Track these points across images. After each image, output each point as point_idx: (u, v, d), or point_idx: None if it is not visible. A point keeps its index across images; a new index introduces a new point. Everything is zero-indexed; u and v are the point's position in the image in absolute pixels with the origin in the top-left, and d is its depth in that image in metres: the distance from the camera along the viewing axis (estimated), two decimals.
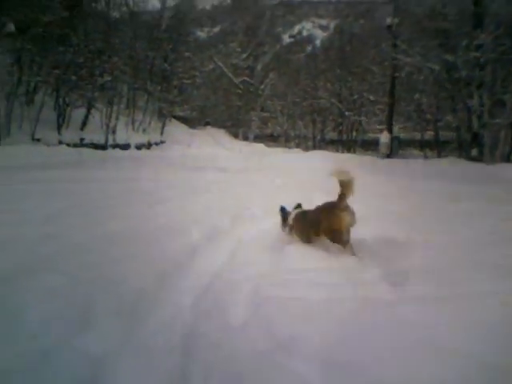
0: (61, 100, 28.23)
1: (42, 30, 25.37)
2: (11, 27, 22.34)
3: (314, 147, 48.28)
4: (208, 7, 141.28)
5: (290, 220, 5.27)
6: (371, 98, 44.85)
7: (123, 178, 13.61)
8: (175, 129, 44.33)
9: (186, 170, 18.41)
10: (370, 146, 43.36)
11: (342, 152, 44.15)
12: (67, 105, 28.61)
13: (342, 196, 4.44)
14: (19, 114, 25.26)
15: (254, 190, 11.87)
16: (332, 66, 49.46)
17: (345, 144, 48.71)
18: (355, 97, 46.76)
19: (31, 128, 25.60)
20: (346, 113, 46.88)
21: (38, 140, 25.85)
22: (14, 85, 25.02)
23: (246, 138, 53.99)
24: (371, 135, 45.60)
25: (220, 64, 54.76)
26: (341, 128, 49.87)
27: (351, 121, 48.23)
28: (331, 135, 52.30)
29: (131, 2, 41.24)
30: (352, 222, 4.48)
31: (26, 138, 25.17)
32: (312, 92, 49.95)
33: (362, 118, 47.20)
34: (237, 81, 54.77)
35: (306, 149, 45.37)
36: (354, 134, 49.82)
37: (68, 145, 27.51)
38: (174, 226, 6.09)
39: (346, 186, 4.42)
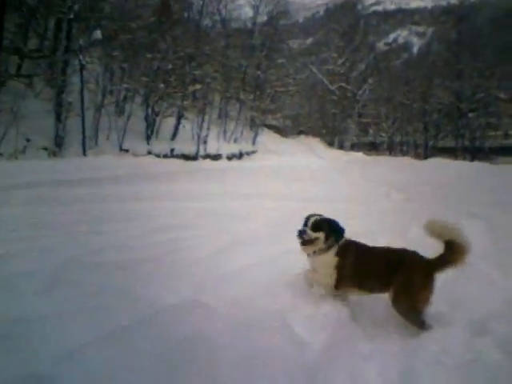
0: (150, 109, 26.67)
1: (131, 37, 23.97)
2: (98, 34, 20.98)
3: (426, 155, 43.22)
4: (301, 20, 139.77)
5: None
6: (502, 96, 38.63)
7: (240, 194, 11.60)
8: (267, 138, 41.90)
9: (295, 181, 15.90)
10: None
11: (471, 161, 37.09)
12: (156, 114, 27.06)
13: (446, 259, 3.21)
14: (107, 124, 23.98)
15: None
16: (449, 62, 44.22)
17: (466, 151, 42.77)
18: (481, 95, 40.90)
19: (119, 138, 24.21)
20: (469, 114, 41.17)
21: (127, 151, 24.46)
22: (103, 94, 23.82)
23: (341, 147, 50.38)
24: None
25: (315, 70, 51.76)
26: (462, 132, 43.80)
27: (476, 123, 42.22)
28: (445, 141, 46.48)
29: (223, 10, 39.63)
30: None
31: (114, 149, 23.82)
32: (426, 91, 45.04)
33: (491, 119, 41.03)
34: (332, 87, 51.41)
35: (417, 157, 40.69)
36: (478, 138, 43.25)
37: (157, 155, 25.94)
38: None
39: (454, 248, 3.17)
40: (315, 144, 48.37)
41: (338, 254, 3.48)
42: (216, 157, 31.64)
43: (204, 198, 10.58)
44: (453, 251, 3.18)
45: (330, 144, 51.24)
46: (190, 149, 29.21)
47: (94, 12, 22.29)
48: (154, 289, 3.98)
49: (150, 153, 25.76)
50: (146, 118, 26.78)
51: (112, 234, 6.20)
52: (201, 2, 34.67)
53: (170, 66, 26.47)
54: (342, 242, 3.53)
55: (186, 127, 30.02)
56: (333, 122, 52.09)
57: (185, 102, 29.14)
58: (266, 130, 44.19)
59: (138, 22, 24.22)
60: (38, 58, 21.93)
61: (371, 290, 3.47)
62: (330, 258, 3.50)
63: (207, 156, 30.70)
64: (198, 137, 30.11)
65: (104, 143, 23.62)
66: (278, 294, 3.83)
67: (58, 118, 20.42)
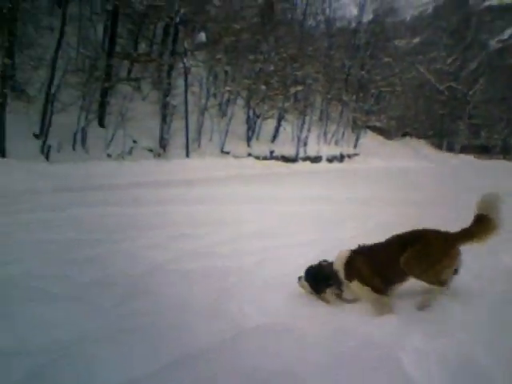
0: (251, 111, 26.44)
1: (234, 39, 23.89)
2: (203, 37, 21.07)
3: None
4: (408, 18, 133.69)
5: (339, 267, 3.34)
6: None
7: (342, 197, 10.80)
8: (370, 140, 40.15)
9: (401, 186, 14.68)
10: None
11: None
12: (257, 116, 26.77)
13: (470, 232, 3.09)
14: (210, 126, 24.09)
15: None
16: None
17: None
18: None
19: (221, 140, 24.22)
20: None
21: (227, 153, 24.40)
22: (207, 97, 23.99)
23: (450, 150, 46.94)
24: None
25: (422, 70, 48.81)
26: None
27: None
28: None
29: (328, 10, 38.58)
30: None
31: (216, 151, 23.86)
32: None
33: None
34: (441, 87, 48.17)
35: None
36: None
37: (257, 157, 25.66)
38: None
39: (483, 222, 3.05)
40: (421, 146, 45.60)
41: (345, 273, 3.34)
42: (316, 159, 30.85)
43: (304, 202, 9.77)
44: (480, 225, 3.07)
45: (438, 146, 48.01)
46: (289, 151, 28.67)
47: (199, 15, 22.47)
48: (238, 304, 3.36)
49: (250, 155, 25.54)
50: (247, 120, 26.62)
51: (202, 238, 5.71)
52: (305, 2, 33.95)
53: (271, 68, 26.04)
54: (345, 260, 3.37)
55: (287, 129, 29.48)
56: (441, 124, 48.89)
57: (286, 104, 28.61)
58: (368, 131, 42.39)
59: (242, 23, 24.04)
60: (146, 62, 22.57)
61: (398, 279, 3.27)
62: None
63: (307, 158, 30.00)
64: (298, 139, 29.47)
65: (206, 145, 23.75)
66: (384, 322, 2.97)
67: (164, 120, 20.78)
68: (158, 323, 2.96)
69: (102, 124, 19.88)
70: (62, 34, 16.07)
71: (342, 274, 3.32)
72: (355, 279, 3.26)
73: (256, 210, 8.46)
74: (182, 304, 3.38)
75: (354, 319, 3.04)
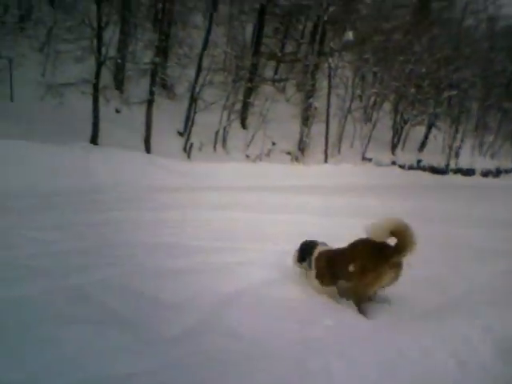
0: (398, 116, 24.30)
1: (384, 39, 22.10)
2: (350, 36, 19.67)
3: None
4: None
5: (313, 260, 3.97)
6: None
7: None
8: None
9: None
10: None
11: None
12: (405, 122, 24.53)
13: (399, 249, 3.35)
14: (351, 131, 22.58)
15: None
16: None
17: None
18: None
19: (363, 147, 22.56)
20: None
21: (369, 160, 22.61)
22: (351, 100, 22.53)
23: None
24: None
25: None
26: None
27: None
28: None
29: (491, 7, 34.45)
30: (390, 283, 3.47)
31: (356, 158, 22.25)
32: None
33: None
34: None
35: None
36: None
37: (401, 166, 23.45)
38: None
39: (401, 236, 3.32)
40: None
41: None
42: (468, 172, 27.44)
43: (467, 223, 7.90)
44: (398, 236, 3.31)
45: None
46: (438, 161, 25.84)
47: (348, 13, 21.15)
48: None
49: (394, 163, 23.43)
50: (394, 126, 24.53)
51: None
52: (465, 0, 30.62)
53: (423, 70, 23.60)
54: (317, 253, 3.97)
55: (437, 137, 26.70)
56: None
57: (437, 110, 25.82)
58: None
59: (393, 22, 22.16)
60: (291, 62, 21.85)
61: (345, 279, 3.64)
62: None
63: (458, 170, 26.89)
64: (450, 148, 26.47)
65: (347, 151, 22.30)
66: None
67: (304, 123, 19.80)
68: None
69: (244, 125, 19.56)
70: (208, 32, 15.92)
71: (310, 262, 3.94)
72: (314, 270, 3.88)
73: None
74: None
75: None
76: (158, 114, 17.21)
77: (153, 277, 3.85)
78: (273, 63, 23.72)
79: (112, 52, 14.85)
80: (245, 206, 8.02)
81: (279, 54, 21.26)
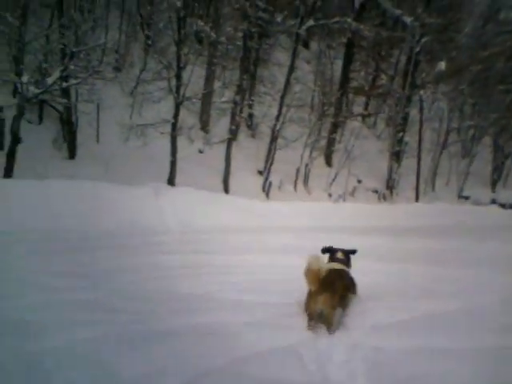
0: (499, 151, 22.05)
1: (482, 68, 20.28)
2: (442, 66, 18.22)
3: None
4: None
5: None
6: None
7: None
8: None
9: None
10: None
11: None
12: (506, 156, 22.17)
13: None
14: (447, 167, 20.79)
15: None
16: None
17: None
18: None
19: (459, 184, 20.63)
20: None
21: (466, 198, 20.61)
22: (446, 133, 20.84)
23: None
24: None
25: None
26: None
27: None
28: None
29: None
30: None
31: (452, 196, 20.37)
32: None
33: None
34: None
35: None
36: None
37: (502, 205, 21.01)
38: None
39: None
40: None
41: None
42: None
43: None
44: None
45: None
46: None
47: (443, 44, 19.72)
48: None
49: (494, 201, 21.08)
50: (494, 161, 22.25)
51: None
52: None
53: None
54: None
55: None
56: None
57: None
58: None
59: (493, 49, 20.28)
60: (379, 96, 20.74)
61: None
62: None
63: None
64: None
65: (442, 189, 20.56)
66: None
67: (393, 159, 18.47)
68: None
69: (328, 162, 18.71)
70: (291, 68, 15.43)
71: None
72: None
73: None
74: None
75: None
76: (240, 154, 17.01)
77: (141, 341, 3.21)
78: (363, 99, 22.79)
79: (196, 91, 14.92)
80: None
81: (366, 88, 20.21)
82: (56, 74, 9.81)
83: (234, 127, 14.25)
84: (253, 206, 12.13)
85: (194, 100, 13.79)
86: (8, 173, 9.52)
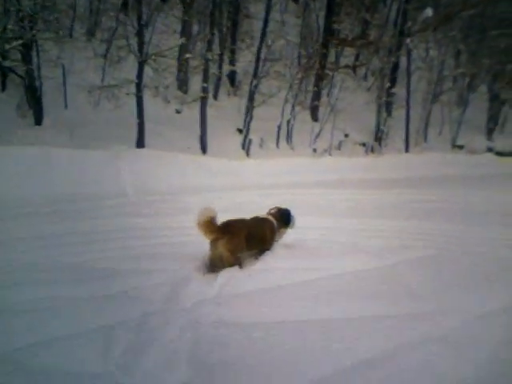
0: (493, 97, 21.02)
1: (473, 12, 19.11)
2: (429, 13, 17.16)
3: None
4: None
5: None
6: None
7: None
8: None
9: None
10: None
11: None
12: (502, 103, 21.15)
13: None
14: (439, 117, 19.89)
15: None
16: None
17: None
18: None
19: (452, 133, 19.78)
20: None
21: (461, 147, 19.82)
22: (435, 83, 19.86)
23: None
24: None
25: None
26: None
27: None
28: None
29: None
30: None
31: (446, 146, 19.56)
32: None
33: None
34: None
35: None
36: None
37: (500, 153, 20.17)
38: None
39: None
40: None
41: None
42: None
43: None
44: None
45: None
46: None
47: None
48: None
49: (490, 150, 20.25)
50: (489, 109, 21.25)
51: None
52: None
53: None
54: None
55: None
56: None
57: None
58: None
59: None
60: (363, 47, 19.71)
61: None
62: None
63: None
64: None
65: (434, 139, 19.72)
66: None
67: (379, 110, 17.64)
68: None
69: (314, 117, 17.93)
70: (265, 22, 14.57)
71: None
72: None
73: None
74: None
75: None
76: (222, 113, 16.37)
77: None
78: (353, 52, 21.76)
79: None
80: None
81: (349, 39, 19.15)
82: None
83: (205, 85, 13.53)
84: (224, 165, 11.62)
85: (154, 58, 12.96)
86: None
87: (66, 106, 12.92)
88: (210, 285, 3.63)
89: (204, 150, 13.71)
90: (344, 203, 8.28)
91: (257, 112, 15.09)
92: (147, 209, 7.02)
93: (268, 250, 4.37)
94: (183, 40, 13.94)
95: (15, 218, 6.01)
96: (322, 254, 4.51)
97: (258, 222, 4.36)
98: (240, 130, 15.06)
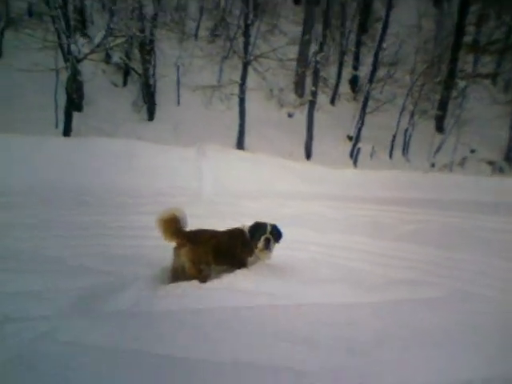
0: None
1: None
2: None
3: None
4: None
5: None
6: None
7: None
8: None
9: None
10: None
11: None
12: None
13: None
14: None
15: None
16: None
17: None
18: None
19: None
20: None
21: None
22: None
23: None
24: None
25: None
26: None
27: None
28: None
29: None
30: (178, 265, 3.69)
31: None
32: None
33: None
34: None
35: None
36: None
37: None
38: None
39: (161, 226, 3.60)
40: None
41: None
42: None
43: None
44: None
45: None
46: None
47: None
48: None
49: None
50: None
51: None
52: None
53: None
54: None
55: None
56: None
57: None
58: None
59: None
60: (495, 53, 17.20)
61: None
62: None
63: None
64: None
65: None
66: None
67: None
68: None
69: (440, 128, 16.05)
70: (385, 24, 13.30)
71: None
72: None
73: None
74: None
75: None
76: (334, 119, 15.50)
77: None
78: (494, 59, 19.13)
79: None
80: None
81: (481, 44, 16.79)
82: (101, 34, 9.26)
83: (313, 88, 12.76)
84: (320, 173, 10.67)
85: (261, 58, 12.44)
86: (67, 132, 9.37)
87: (178, 104, 13.09)
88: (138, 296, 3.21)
89: (308, 155, 12.98)
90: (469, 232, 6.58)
91: (370, 119, 13.95)
92: (201, 210, 6.39)
93: (244, 266, 3.85)
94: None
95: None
96: (303, 280, 3.83)
97: (229, 234, 3.92)
98: (350, 138, 14.02)
